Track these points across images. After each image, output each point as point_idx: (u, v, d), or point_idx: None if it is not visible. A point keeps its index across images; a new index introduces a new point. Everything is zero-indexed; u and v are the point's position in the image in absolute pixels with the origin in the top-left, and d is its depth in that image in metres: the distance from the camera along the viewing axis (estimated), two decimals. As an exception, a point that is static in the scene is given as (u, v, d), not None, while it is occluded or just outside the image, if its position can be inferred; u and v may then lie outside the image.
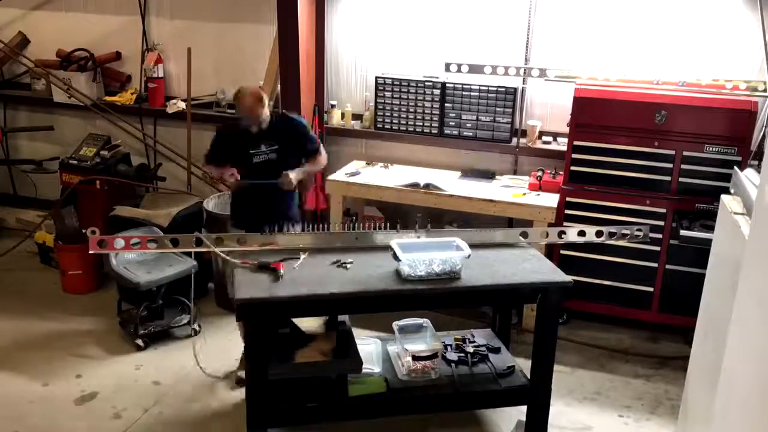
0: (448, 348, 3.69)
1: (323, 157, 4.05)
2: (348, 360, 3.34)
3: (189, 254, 4.44)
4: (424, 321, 3.67)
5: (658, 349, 4.45)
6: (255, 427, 3.18)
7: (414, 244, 3.35)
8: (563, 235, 3.75)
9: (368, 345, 3.70)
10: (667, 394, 3.96)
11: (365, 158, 5.26)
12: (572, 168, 4.42)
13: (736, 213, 2.57)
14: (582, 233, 3.74)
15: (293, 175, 3.78)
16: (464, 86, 4.91)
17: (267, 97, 3.80)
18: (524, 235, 3.68)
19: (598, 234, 3.73)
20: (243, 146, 3.77)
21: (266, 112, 3.74)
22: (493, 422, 3.68)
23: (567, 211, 4.45)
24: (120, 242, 3.48)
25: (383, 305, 3.33)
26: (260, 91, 3.75)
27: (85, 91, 5.66)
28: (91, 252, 3.44)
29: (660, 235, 4.32)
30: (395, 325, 3.62)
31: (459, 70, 4.86)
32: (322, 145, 4.09)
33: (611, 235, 3.73)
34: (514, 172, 4.99)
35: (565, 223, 4.42)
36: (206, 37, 5.54)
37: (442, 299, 3.32)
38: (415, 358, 3.40)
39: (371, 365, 3.52)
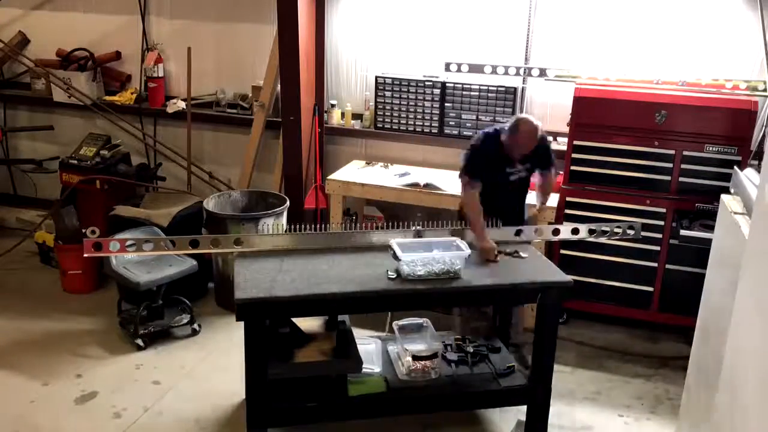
0: (448, 348, 3.69)
1: (554, 175, 3.90)
2: (348, 360, 3.34)
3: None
4: (424, 321, 3.67)
5: (658, 348, 4.45)
6: (255, 426, 3.18)
7: (414, 243, 3.35)
8: (557, 233, 3.77)
9: (368, 345, 3.70)
10: (667, 394, 3.96)
11: (365, 158, 5.26)
12: (572, 168, 4.42)
13: (736, 213, 2.57)
14: (575, 231, 3.76)
15: (491, 245, 3.49)
16: (464, 86, 4.91)
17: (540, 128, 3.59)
18: (518, 233, 3.69)
19: (591, 232, 3.74)
20: (500, 161, 3.65)
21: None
22: (493, 422, 3.68)
23: (567, 211, 4.45)
24: (115, 245, 3.46)
25: (383, 305, 3.33)
26: (539, 129, 3.56)
27: (85, 91, 5.66)
28: (85, 255, 3.40)
29: (660, 235, 4.32)
30: (395, 324, 3.62)
31: (459, 70, 4.87)
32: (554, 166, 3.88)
33: (603, 232, 3.73)
34: (514, 172, 4.99)
35: (565, 223, 4.42)
36: (206, 37, 5.54)
37: (441, 299, 3.32)
38: (415, 357, 3.40)
39: (371, 365, 3.52)
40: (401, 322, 3.64)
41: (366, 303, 3.25)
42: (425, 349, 3.44)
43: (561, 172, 4.53)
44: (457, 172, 4.78)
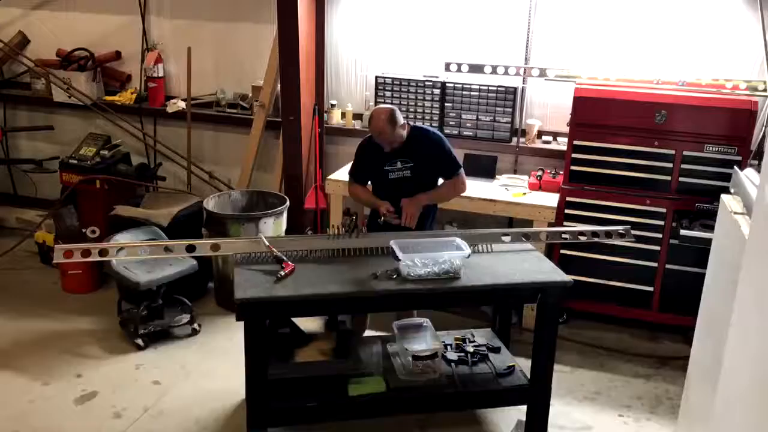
0: (448, 348, 3.69)
1: (460, 181, 3.79)
2: (348, 360, 3.34)
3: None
4: (425, 321, 3.67)
5: (658, 348, 4.45)
6: (255, 426, 3.18)
7: (414, 244, 3.35)
8: (545, 236, 3.81)
9: (369, 345, 3.70)
10: (667, 394, 3.96)
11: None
12: (572, 168, 4.42)
13: (736, 213, 2.57)
14: (562, 234, 3.79)
15: (413, 209, 3.63)
16: (464, 86, 4.91)
17: (400, 117, 3.65)
18: (506, 235, 3.69)
19: (582, 234, 3.75)
20: (379, 162, 3.71)
21: (400, 133, 3.63)
22: (493, 422, 3.68)
23: (567, 211, 4.45)
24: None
25: (383, 305, 3.32)
26: (389, 112, 3.61)
27: (85, 91, 5.66)
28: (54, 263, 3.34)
29: (660, 235, 4.32)
30: (395, 324, 3.62)
31: (459, 70, 4.86)
32: (462, 168, 3.83)
33: (594, 234, 3.73)
34: (514, 172, 4.99)
35: (565, 223, 4.43)
36: (206, 37, 5.54)
37: (441, 299, 3.32)
38: (416, 357, 3.39)
39: (372, 365, 3.52)
40: (401, 322, 3.64)
41: (366, 303, 3.25)
42: (425, 349, 3.43)
43: (561, 172, 4.54)
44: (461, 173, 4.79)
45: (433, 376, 3.42)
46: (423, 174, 3.75)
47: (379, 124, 3.62)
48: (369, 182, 3.92)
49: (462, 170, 3.82)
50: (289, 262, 3.22)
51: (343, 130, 5.32)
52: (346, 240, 3.49)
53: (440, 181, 3.84)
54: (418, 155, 3.71)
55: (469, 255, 3.23)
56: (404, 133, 3.67)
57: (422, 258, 3.17)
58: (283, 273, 3.15)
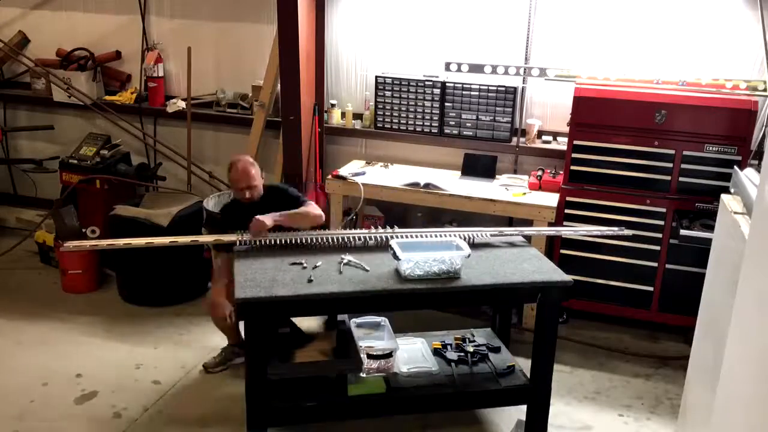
0: (448, 348, 3.69)
1: (312, 209, 3.79)
2: (348, 359, 3.34)
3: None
4: (382, 320, 3.63)
5: (658, 348, 4.46)
6: (255, 426, 3.18)
7: (414, 243, 3.35)
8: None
9: (414, 344, 3.69)
10: (667, 394, 3.97)
11: (365, 158, 5.26)
12: (572, 167, 4.42)
13: (736, 212, 2.57)
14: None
15: (264, 218, 3.56)
16: (464, 86, 4.91)
17: (257, 165, 3.86)
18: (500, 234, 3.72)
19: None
20: (242, 219, 3.66)
21: (260, 181, 3.82)
22: (493, 422, 3.68)
23: (567, 211, 4.45)
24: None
25: (383, 305, 3.33)
26: (251, 158, 3.85)
27: (85, 91, 5.66)
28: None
29: (660, 235, 4.32)
30: (353, 322, 3.59)
31: (459, 70, 4.86)
32: (312, 202, 3.91)
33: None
34: (514, 172, 4.99)
35: (565, 223, 4.43)
36: (206, 37, 5.54)
37: (441, 299, 3.32)
38: (370, 356, 3.35)
39: (423, 363, 3.53)
40: (359, 319, 3.62)
41: (366, 303, 3.25)
42: (381, 348, 3.38)
43: (561, 172, 4.54)
44: (457, 172, 4.79)
45: (392, 372, 3.39)
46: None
47: (246, 167, 3.77)
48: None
49: (309, 201, 3.89)
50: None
51: (343, 130, 5.32)
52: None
53: None
54: (273, 207, 3.70)
55: (469, 255, 3.23)
56: (260, 185, 3.83)
57: (422, 258, 3.17)
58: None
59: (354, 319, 3.61)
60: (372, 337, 3.51)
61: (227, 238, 3.60)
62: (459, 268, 3.22)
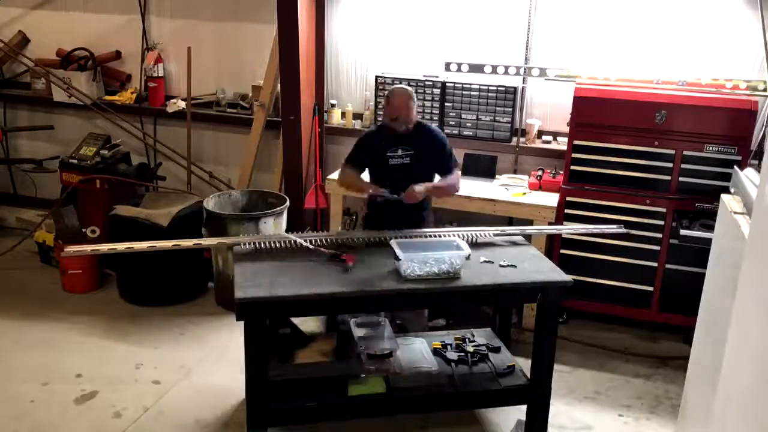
0: (448, 347, 3.69)
1: (456, 179, 3.86)
2: (348, 360, 3.34)
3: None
4: (382, 319, 3.63)
5: (658, 348, 4.45)
6: (255, 426, 3.18)
7: (414, 243, 3.35)
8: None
9: (414, 344, 3.68)
10: (667, 394, 3.96)
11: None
12: (572, 167, 4.42)
13: (736, 212, 2.57)
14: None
15: (419, 189, 3.63)
16: (464, 86, 4.91)
17: (416, 101, 3.78)
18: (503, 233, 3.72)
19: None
20: (381, 148, 3.77)
21: (413, 115, 3.74)
22: (493, 422, 3.68)
23: (567, 211, 4.45)
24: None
25: (383, 305, 3.33)
26: (410, 92, 3.75)
27: (85, 91, 5.66)
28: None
29: (660, 235, 4.32)
30: (353, 322, 3.59)
31: (459, 70, 4.87)
32: (458, 168, 3.95)
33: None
34: (514, 172, 4.99)
35: (565, 223, 4.43)
36: (206, 37, 5.54)
37: (441, 298, 3.32)
38: (370, 356, 3.36)
39: (425, 363, 3.51)
40: (359, 319, 3.62)
41: (366, 303, 3.25)
42: (381, 348, 3.39)
43: (561, 172, 4.54)
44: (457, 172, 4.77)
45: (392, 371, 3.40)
46: (422, 164, 3.80)
47: (401, 101, 3.69)
48: (362, 172, 3.92)
49: (459, 170, 3.89)
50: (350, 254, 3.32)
51: (343, 130, 5.31)
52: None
53: (437, 177, 3.87)
54: (419, 146, 3.78)
55: (469, 255, 3.23)
56: (414, 118, 3.76)
57: (422, 258, 3.17)
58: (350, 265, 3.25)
59: (354, 319, 3.61)
60: (372, 336, 3.51)
61: (229, 240, 3.61)
62: (459, 268, 3.22)
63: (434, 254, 3.20)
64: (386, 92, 3.79)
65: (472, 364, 3.56)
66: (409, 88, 3.81)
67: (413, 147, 3.78)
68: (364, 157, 3.88)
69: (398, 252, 3.17)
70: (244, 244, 3.53)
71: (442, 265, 3.19)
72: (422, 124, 3.89)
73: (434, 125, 4.09)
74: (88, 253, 3.57)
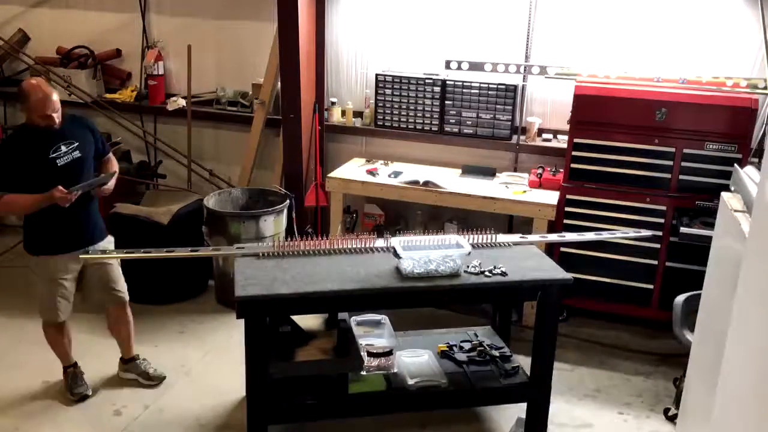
0: (454, 348, 3.69)
1: (115, 163, 3.75)
2: (348, 358, 3.34)
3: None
4: (383, 317, 3.63)
5: (658, 346, 4.46)
6: (255, 424, 3.18)
7: (414, 242, 3.35)
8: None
9: (421, 356, 3.65)
10: (667, 392, 3.97)
11: (365, 156, 5.26)
12: (572, 165, 4.42)
13: (736, 210, 2.57)
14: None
15: (71, 196, 3.34)
16: (464, 84, 4.90)
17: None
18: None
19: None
20: (39, 154, 3.35)
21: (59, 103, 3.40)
22: (493, 419, 3.69)
23: (567, 209, 4.45)
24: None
25: (383, 303, 3.33)
26: (45, 79, 3.43)
27: (86, 89, 5.65)
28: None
29: (660, 233, 4.32)
30: (353, 320, 3.59)
31: (459, 68, 4.86)
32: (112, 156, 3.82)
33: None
34: (515, 170, 4.99)
35: (565, 221, 4.43)
36: (206, 35, 5.54)
37: (442, 297, 3.32)
38: (371, 354, 3.35)
39: (434, 376, 3.46)
40: (360, 317, 3.61)
41: (366, 301, 3.25)
42: (381, 346, 3.37)
43: (561, 170, 4.54)
44: (458, 171, 4.78)
45: (392, 371, 3.38)
46: (88, 152, 3.57)
47: (51, 91, 3.36)
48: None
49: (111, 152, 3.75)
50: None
51: (343, 128, 5.31)
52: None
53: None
54: (76, 135, 3.52)
55: (470, 253, 3.23)
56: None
57: (422, 256, 3.17)
58: None
59: (354, 317, 3.61)
60: (372, 335, 3.51)
61: (226, 251, 3.58)
62: (459, 267, 3.22)
63: (434, 252, 3.20)
64: (23, 90, 3.35)
65: (482, 364, 3.57)
66: (43, 79, 3.49)
67: (73, 138, 3.48)
68: (21, 172, 3.35)
69: (398, 250, 3.17)
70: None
71: (442, 263, 3.19)
72: (68, 115, 3.60)
73: (87, 119, 3.87)
74: (104, 258, 3.57)
